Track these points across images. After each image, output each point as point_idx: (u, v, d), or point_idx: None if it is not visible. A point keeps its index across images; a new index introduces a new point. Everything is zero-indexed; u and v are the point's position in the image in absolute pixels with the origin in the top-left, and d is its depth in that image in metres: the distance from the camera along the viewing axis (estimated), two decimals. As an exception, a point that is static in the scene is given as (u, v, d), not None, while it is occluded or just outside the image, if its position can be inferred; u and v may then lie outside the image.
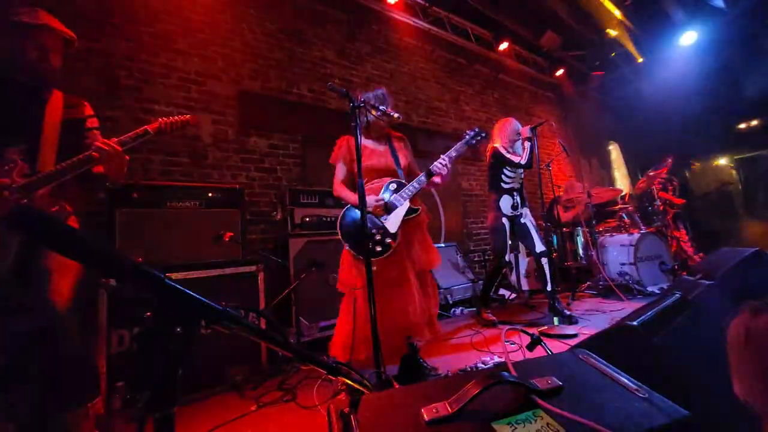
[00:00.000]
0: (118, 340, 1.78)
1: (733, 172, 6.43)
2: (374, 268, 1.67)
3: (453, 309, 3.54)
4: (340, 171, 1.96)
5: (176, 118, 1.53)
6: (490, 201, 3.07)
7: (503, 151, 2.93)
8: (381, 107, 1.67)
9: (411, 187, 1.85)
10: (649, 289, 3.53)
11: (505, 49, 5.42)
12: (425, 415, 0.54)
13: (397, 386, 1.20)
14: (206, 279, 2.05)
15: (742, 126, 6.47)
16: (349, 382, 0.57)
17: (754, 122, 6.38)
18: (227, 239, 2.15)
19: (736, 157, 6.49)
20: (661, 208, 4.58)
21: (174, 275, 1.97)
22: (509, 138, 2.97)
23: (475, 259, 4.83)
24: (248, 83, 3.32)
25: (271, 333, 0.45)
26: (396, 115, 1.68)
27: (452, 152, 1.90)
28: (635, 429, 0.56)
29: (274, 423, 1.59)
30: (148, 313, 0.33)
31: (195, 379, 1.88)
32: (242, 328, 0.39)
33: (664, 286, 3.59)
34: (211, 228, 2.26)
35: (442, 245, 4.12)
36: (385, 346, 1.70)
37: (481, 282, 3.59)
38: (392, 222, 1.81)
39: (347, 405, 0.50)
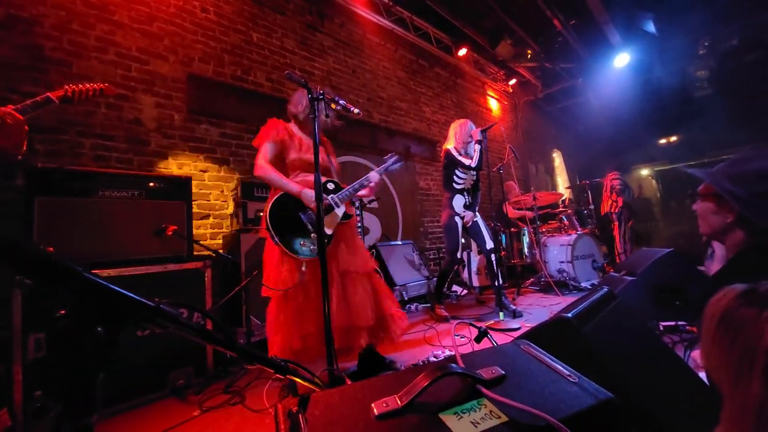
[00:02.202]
0: (35, 345, 1.57)
1: (653, 181, 7.30)
2: (303, 267, 1.65)
3: (408, 305, 3.62)
4: (269, 151, 1.75)
5: (87, 85, 1.41)
6: (443, 200, 3.18)
7: (455, 153, 3.05)
8: (341, 102, 1.65)
9: (347, 192, 1.84)
10: (583, 284, 3.89)
11: (463, 56, 5.62)
12: (375, 410, 0.54)
13: (349, 382, 1.20)
14: (145, 276, 1.88)
15: (663, 141, 7.36)
16: (299, 380, 0.55)
17: (673, 138, 7.30)
18: (170, 233, 1.98)
19: (656, 169, 7.37)
20: (614, 208, 5.08)
21: (107, 272, 1.78)
22: (463, 140, 3.09)
23: (431, 256, 4.97)
24: (199, 66, 3.09)
25: (213, 332, 0.42)
26: (356, 110, 1.67)
27: (381, 169, 1.99)
28: (566, 410, 0.61)
29: (219, 428, 1.51)
30: (62, 311, 0.28)
31: (130, 384, 1.73)
32: (179, 328, 0.36)
33: (595, 281, 3.98)
34: (152, 221, 2.07)
35: (399, 243, 4.19)
36: (313, 345, 1.65)
37: (435, 279, 3.70)
38: (329, 223, 1.77)
39: (296, 404, 0.49)
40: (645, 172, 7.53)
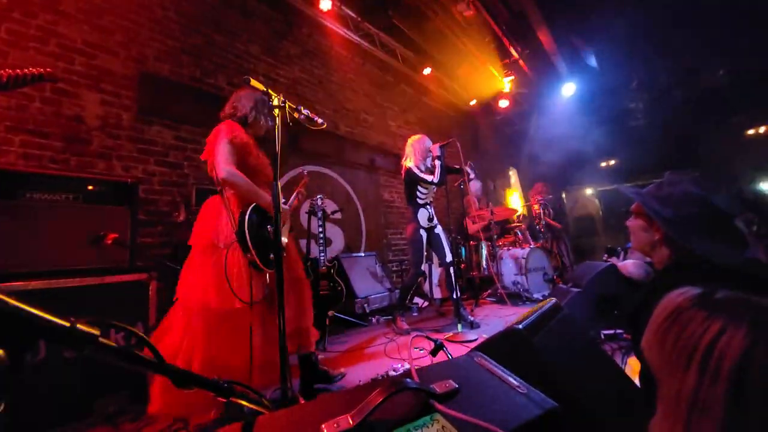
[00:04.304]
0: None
1: (596, 200, 7.97)
2: (267, 279, 1.61)
3: (370, 318, 3.58)
4: (229, 152, 1.61)
5: (26, 70, 1.28)
6: (408, 214, 3.23)
7: (416, 171, 3.09)
8: (305, 111, 1.63)
9: (290, 203, 1.92)
10: (535, 296, 4.10)
11: (428, 75, 5.84)
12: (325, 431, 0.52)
13: (303, 402, 1.15)
14: (79, 289, 1.69)
15: (604, 164, 8.10)
16: (245, 403, 0.52)
17: (612, 162, 8.06)
18: (110, 242, 1.81)
19: (598, 189, 8.06)
20: (543, 230, 5.37)
21: (32, 283, 1.58)
22: (422, 155, 3.16)
23: (393, 268, 4.99)
24: (154, 65, 2.92)
25: (141, 354, 0.38)
26: (320, 120, 1.66)
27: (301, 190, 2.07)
28: (515, 422, 0.63)
29: (157, 457, 1.37)
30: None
31: (53, 410, 1.52)
32: (99, 350, 0.32)
33: (546, 293, 4.21)
34: (90, 228, 1.88)
35: (362, 254, 4.17)
36: (269, 360, 1.57)
37: (397, 291, 3.71)
38: (285, 233, 1.84)
39: (239, 429, 0.45)
40: (589, 191, 8.21)
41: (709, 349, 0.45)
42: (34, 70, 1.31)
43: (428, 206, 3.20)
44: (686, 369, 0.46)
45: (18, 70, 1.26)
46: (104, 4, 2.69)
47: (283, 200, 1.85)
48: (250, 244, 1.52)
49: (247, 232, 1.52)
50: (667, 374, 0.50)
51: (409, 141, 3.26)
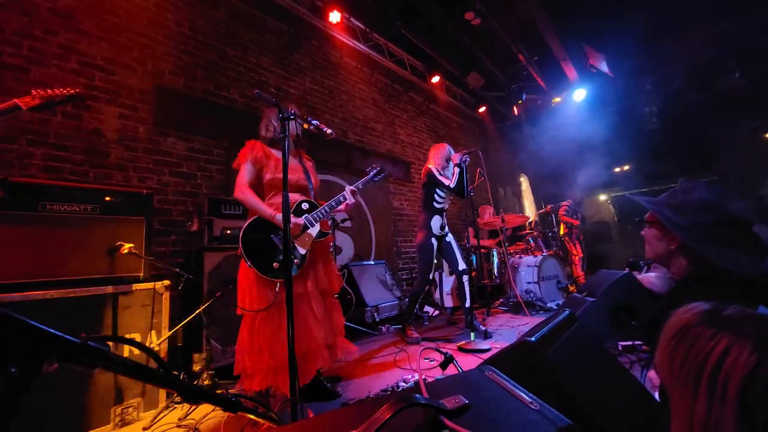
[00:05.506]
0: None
1: (611, 206, 7.80)
2: (277, 288, 1.65)
3: (380, 326, 3.56)
4: (247, 173, 1.81)
5: (57, 90, 1.31)
6: (420, 220, 3.21)
7: (435, 173, 3.13)
8: (314, 122, 1.65)
9: (322, 211, 1.88)
10: (549, 305, 4.01)
11: (436, 82, 5.87)
12: (333, 447, 0.52)
13: (312, 415, 1.14)
14: (94, 298, 1.73)
15: (618, 170, 7.94)
16: (253, 417, 0.51)
17: (626, 167, 7.90)
18: (125, 251, 1.86)
19: (612, 195, 7.90)
20: (565, 230, 5.29)
21: (50, 293, 1.62)
22: (441, 162, 3.19)
23: (403, 276, 4.96)
24: (169, 79, 3.01)
25: (150, 368, 0.38)
26: (329, 131, 1.68)
27: (359, 184, 2.05)
28: (527, 440, 0.61)
29: (168, 467, 1.37)
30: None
31: (65, 419, 1.55)
32: (109, 365, 0.32)
33: (560, 302, 4.11)
34: (106, 238, 1.93)
35: (372, 263, 4.16)
36: (281, 370, 1.63)
37: (407, 299, 3.68)
38: (303, 242, 1.81)
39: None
40: (603, 197, 8.05)
41: (715, 369, 0.44)
42: (64, 90, 1.37)
43: (444, 213, 3.19)
44: (696, 390, 0.45)
45: (49, 90, 1.32)
46: (123, 23, 2.80)
47: (304, 214, 1.87)
48: (243, 254, 1.65)
49: (240, 244, 1.65)
50: (678, 393, 0.49)
51: (432, 148, 3.34)
